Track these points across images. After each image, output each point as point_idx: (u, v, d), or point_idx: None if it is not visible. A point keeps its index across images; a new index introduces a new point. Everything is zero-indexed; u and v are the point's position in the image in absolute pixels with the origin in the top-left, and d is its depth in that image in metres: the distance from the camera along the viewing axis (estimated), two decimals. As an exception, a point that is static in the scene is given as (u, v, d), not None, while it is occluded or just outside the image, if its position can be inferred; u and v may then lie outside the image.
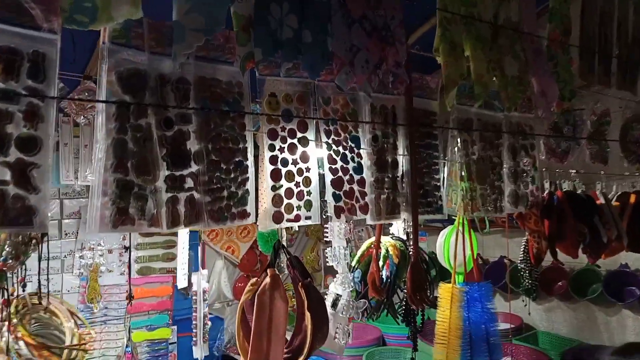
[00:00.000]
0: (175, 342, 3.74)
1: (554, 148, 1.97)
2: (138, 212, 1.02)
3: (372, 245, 2.05)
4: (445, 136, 1.63)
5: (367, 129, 1.40)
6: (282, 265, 1.49)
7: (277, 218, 1.23)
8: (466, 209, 1.60)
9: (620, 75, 2.38)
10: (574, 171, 2.08)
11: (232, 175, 1.16)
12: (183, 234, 2.24)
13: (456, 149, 1.61)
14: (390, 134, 1.46)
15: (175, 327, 3.76)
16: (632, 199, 2.26)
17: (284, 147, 1.25)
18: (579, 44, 2.17)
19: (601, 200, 2.18)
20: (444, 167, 1.62)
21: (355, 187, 1.37)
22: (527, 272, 1.95)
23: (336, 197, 1.32)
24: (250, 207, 1.19)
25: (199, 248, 2.78)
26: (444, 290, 1.66)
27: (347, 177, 1.36)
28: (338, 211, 1.31)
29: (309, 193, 1.28)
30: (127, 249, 2.37)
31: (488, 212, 1.67)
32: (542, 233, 1.84)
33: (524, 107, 1.87)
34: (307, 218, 1.27)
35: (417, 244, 1.40)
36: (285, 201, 1.24)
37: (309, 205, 1.28)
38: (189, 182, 1.09)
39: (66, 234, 3.48)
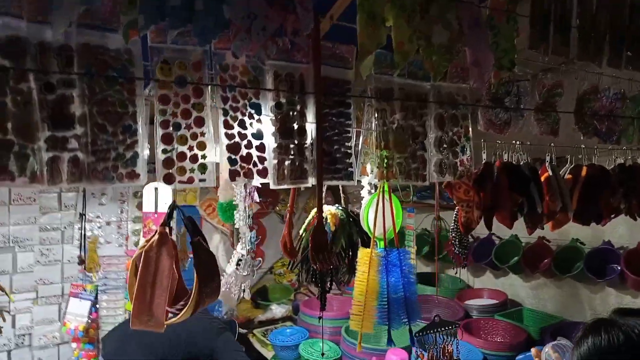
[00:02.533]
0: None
1: (493, 119, 1.97)
2: (19, 169, 1.11)
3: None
4: (362, 105, 1.66)
5: (269, 96, 1.45)
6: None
7: (168, 179, 1.30)
8: (382, 176, 1.63)
9: (582, 45, 2.34)
10: (518, 142, 2.07)
11: (120, 138, 1.24)
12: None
13: (373, 117, 1.64)
14: (297, 101, 1.51)
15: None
16: (584, 172, 2.25)
17: (177, 112, 1.32)
18: (530, 12, 2.14)
19: (549, 173, 2.18)
20: (361, 135, 1.66)
21: (254, 152, 1.43)
22: (457, 240, 1.98)
23: (231, 161, 1.38)
24: (140, 168, 1.27)
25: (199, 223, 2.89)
26: (362, 254, 1.71)
27: (245, 142, 1.42)
28: (233, 174, 1.38)
29: (203, 157, 1.35)
30: (82, 215, 2.48)
31: (408, 180, 1.70)
32: (472, 202, 1.86)
33: (457, 77, 1.88)
34: (202, 180, 1.34)
35: (321, 208, 1.46)
36: (178, 164, 1.32)
37: (203, 168, 1.35)
38: (73, 144, 1.18)
39: (65, 207, 3.66)
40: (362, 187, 2.34)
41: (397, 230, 1.78)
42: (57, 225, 3.65)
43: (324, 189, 2.02)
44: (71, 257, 3.69)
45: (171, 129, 1.31)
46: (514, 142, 2.06)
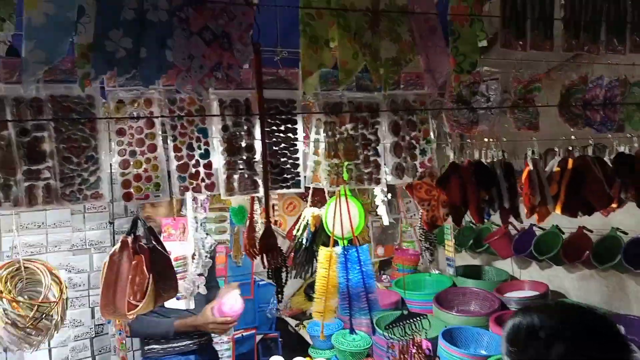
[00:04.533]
0: (232, 304, 4.23)
1: (459, 119, 2.04)
2: (4, 196, 1.46)
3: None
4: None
5: (215, 121, 1.70)
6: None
7: (127, 197, 1.60)
8: (333, 182, 1.81)
9: (571, 35, 2.32)
10: (492, 140, 2.13)
11: (85, 166, 1.56)
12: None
13: (321, 130, 1.82)
14: (243, 122, 1.74)
15: (230, 291, 4.25)
16: (570, 164, 2.24)
17: (132, 142, 1.61)
18: (500, 12, 2.17)
19: (530, 167, 2.20)
20: (309, 146, 1.85)
21: (201, 169, 1.69)
22: (423, 236, 2.09)
23: (181, 179, 1.65)
24: (103, 189, 1.58)
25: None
26: (323, 254, 1.90)
27: (193, 162, 1.68)
28: (182, 190, 1.65)
29: (156, 177, 1.63)
30: (111, 223, 2.91)
31: (360, 184, 1.86)
32: (435, 201, 1.97)
33: (413, 84, 1.99)
34: (156, 196, 1.63)
35: (268, 213, 1.68)
36: (134, 184, 1.61)
37: (156, 186, 1.63)
38: (45, 174, 1.51)
39: (131, 212, 4.18)
40: (375, 195, 2.52)
41: (356, 232, 1.94)
42: (125, 229, 4.17)
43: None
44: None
45: (127, 156, 1.61)
46: (487, 140, 2.12)
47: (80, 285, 4.09)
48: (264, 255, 1.68)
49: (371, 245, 5.26)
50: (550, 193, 2.16)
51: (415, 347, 1.99)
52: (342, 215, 1.87)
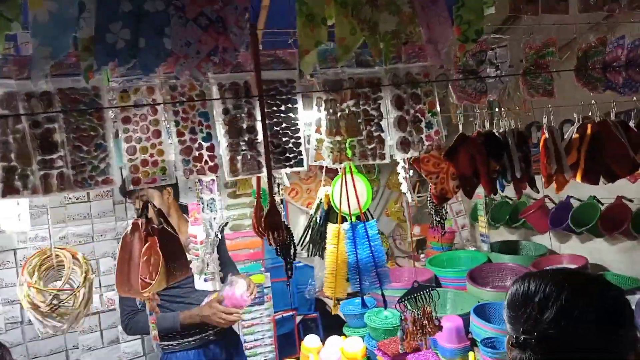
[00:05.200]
0: (269, 287, 4.36)
1: (467, 90, 2.00)
2: (22, 185, 1.58)
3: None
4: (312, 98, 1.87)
5: (216, 104, 1.75)
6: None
7: (136, 182, 1.69)
8: (336, 159, 1.83)
9: (587, -4, 2.22)
10: (503, 110, 2.08)
11: (94, 154, 1.65)
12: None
13: (322, 108, 1.84)
14: (244, 105, 1.78)
15: (268, 273, 4.38)
16: (589, 129, 2.15)
17: (137, 129, 1.69)
18: (508, -23, 2.11)
19: (546, 135, 2.14)
20: (312, 124, 1.87)
21: (204, 152, 1.74)
22: (433, 210, 2.07)
23: (185, 162, 1.72)
24: (113, 175, 1.67)
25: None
26: (332, 230, 1.93)
27: (196, 145, 1.74)
28: (187, 172, 1.72)
29: (162, 161, 1.70)
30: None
31: (364, 160, 1.87)
32: (444, 174, 1.95)
33: (415, 56, 1.97)
34: (163, 179, 1.70)
35: (272, 193, 1.72)
36: (142, 169, 1.69)
37: (163, 170, 1.70)
38: (58, 162, 1.61)
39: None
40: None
41: (364, 208, 1.96)
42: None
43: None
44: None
45: (134, 142, 1.69)
46: (500, 110, 2.08)
47: (126, 271, 4.29)
48: (270, 233, 1.73)
49: (408, 225, 5.24)
50: (570, 161, 2.09)
51: (426, 319, 2.00)
52: (348, 192, 1.89)
